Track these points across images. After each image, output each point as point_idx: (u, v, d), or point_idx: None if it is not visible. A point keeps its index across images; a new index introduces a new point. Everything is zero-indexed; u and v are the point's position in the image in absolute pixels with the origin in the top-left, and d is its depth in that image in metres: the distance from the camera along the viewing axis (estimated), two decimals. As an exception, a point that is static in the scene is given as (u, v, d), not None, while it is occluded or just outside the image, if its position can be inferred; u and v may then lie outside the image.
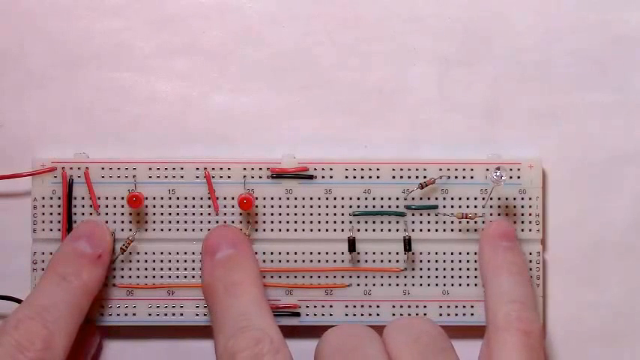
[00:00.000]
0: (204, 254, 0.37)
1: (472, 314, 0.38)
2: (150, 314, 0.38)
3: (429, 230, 0.38)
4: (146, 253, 0.38)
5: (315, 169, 0.38)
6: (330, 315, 0.38)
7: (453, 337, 0.39)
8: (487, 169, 0.38)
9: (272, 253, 0.38)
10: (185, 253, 0.38)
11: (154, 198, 0.38)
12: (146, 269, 0.38)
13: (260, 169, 0.38)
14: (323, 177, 0.38)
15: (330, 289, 0.38)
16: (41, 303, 0.34)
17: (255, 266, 0.37)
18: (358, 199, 0.38)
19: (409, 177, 0.38)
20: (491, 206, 0.38)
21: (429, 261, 0.38)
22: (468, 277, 0.38)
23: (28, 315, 0.34)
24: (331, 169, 0.38)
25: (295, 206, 0.38)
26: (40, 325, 0.33)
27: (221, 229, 0.38)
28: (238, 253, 0.37)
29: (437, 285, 0.38)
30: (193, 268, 0.38)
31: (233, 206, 0.38)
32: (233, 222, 0.38)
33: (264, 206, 0.38)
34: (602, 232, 0.39)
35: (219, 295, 0.35)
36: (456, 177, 0.38)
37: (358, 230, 0.38)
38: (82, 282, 0.36)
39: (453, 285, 0.38)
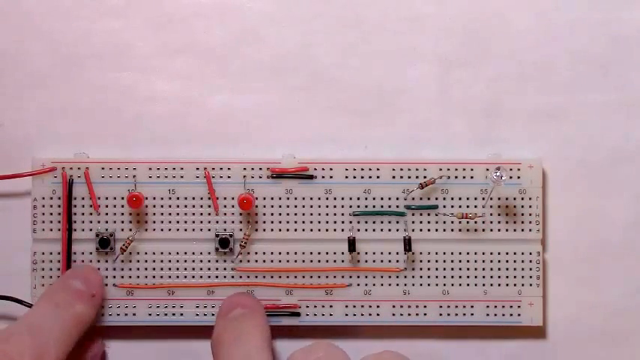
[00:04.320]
0: (218, 315, 0.37)
1: (472, 314, 0.38)
2: (150, 314, 0.38)
3: (429, 230, 0.38)
4: (146, 253, 0.38)
5: (315, 169, 0.38)
6: (330, 315, 0.38)
7: (453, 337, 0.39)
8: (487, 169, 0.38)
9: (272, 253, 0.38)
10: (185, 253, 0.38)
11: (154, 198, 0.38)
12: (146, 269, 0.38)
13: (260, 169, 0.38)
14: (323, 177, 0.38)
15: (330, 289, 0.38)
16: (33, 322, 0.35)
17: (264, 323, 0.37)
18: (358, 199, 0.38)
19: (409, 177, 0.38)
20: (491, 206, 0.38)
21: (429, 261, 0.38)
22: (468, 277, 0.38)
23: (19, 330, 0.34)
24: (331, 169, 0.38)
25: (295, 206, 0.38)
26: (30, 341, 0.34)
27: (238, 295, 0.38)
28: (250, 312, 0.37)
29: (437, 285, 0.38)
30: (193, 268, 0.38)
31: (233, 206, 0.38)
32: (233, 222, 0.38)
33: (264, 206, 0.38)
34: (602, 232, 0.39)
35: (225, 343, 0.35)
36: (456, 177, 0.38)
37: (358, 230, 0.38)
38: (74, 312, 0.36)
39: (453, 285, 0.38)
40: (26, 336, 0.34)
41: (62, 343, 0.35)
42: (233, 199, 0.38)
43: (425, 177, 0.38)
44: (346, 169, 0.38)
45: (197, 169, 0.38)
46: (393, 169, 0.38)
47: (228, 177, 0.38)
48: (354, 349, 0.36)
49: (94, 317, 0.37)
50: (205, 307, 0.38)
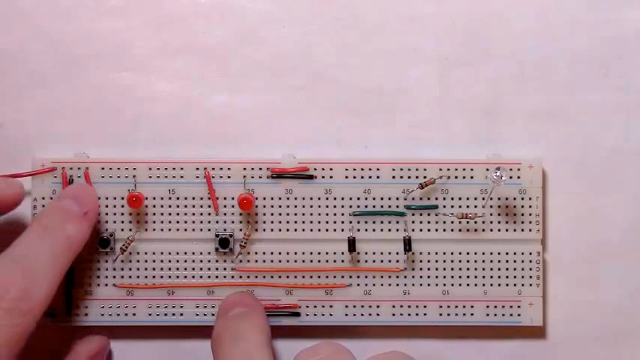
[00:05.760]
0: (217, 314, 0.37)
1: (472, 314, 0.38)
2: (150, 314, 0.38)
3: (429, 230, 0.38)
4: (146, 253, 0.38)
5: (315, 169, 0.38)
6: (330, 315, 0.38)
7: (453, 337, 0.39)
8: (487, 169, 0.38)
9: (272, 253, 0.38)
10: (185, 253, 0.38)
11: (154, 198, 0.38)
12: (146, 269, 0.38)
13: (260, 169, 0.38)
14: (323, 177, 0.38)
15: (330, 289, 0.38)
16: (20, 252, 0.33)
17: (264, 322, 0.36)
18: (358, 199, 0.38)
19: (409, 177, 0.38)
20: (491, 206, 0.38)
21: (429, 261, 0.38)
22: (468, 277, 0.38)
23: (4, 264, 0.33)
24: (331, 169, 0.38)
25: (295, 206, 0.38)
26: (17, 274, 0.32)
27: (238, 294, 0.38)
28: (249, 311, 0.37)
29: (437, 285, 0.38)
30: (193, 268, 0.38)
31: (233, 206, 0.38)
32: (233, 222, 0.38)
33: (264, 206, 0.38)
34: (602, 232, 0.39)
35: (225, 342, 0.35)
36: (456, 177, 0.38)
37: (358, 230, 0.38)
38: (65, 234, 0.35)
39: (453, 285, 0.38)
40: (11, 267, 0.32)
41: (52, 268, 0.33)
42: (233, 199, 0.38)
43: (425, 177, 0.38)
44: (346, 169, 0.38)
45: (197, 169, 0.38)
46: (393, 169, 0.38)
47: (228, 177, 0.38)
48: (354, 349, 0.36)
49: (87, 237, 0.36)
50: (205, 307, 0.38)
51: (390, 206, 0.38)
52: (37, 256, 0.33)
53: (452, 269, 0.38)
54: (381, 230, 0.38)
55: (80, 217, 0.36)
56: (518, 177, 0.38)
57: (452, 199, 0.38)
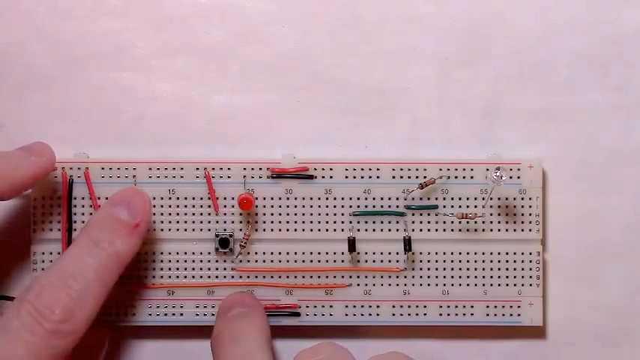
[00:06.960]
0: (217, 314, 0.37)
1: (472, 314, 0.38)
2: (150, 314, 0.38)
3: (429, 230, 0.38)
4: (146, 254, 0.38)
5: (315, 169, 0.38)
6: (330, 315, 0.38)
7: (453, 337, 0.39)
8: (487, 169, 0.38)
9: (272, 253, 0.38)
10: (185, 253, 0.38)
11: (154, 198, 0.38)
12: (146, 269, 0.38)
13: (260, 169, 0.38)
14: (323, 177, 0.38)
15: (330, 289, 0.38)
16: (68, 269, 0.33)
17: (264, 322, 0.36)
18: (358, 199, 0.38)
19: (409, 177, 0.38)
20: (491, 206, 0.38)
21: (429, 261, 0.38)
22: (468, 277, 0.38)
23: (52, 282, 0.32)
24: (331, 169, 0.38)
25: (295, 206, 0.38)
26: (62, 293, 0.32)
27: (237, 294, 0.38)
28: (249, 311, 0.37)
29: (437, 285, 0.38)
30: (193, 268, 0.38)
31: (233, 206, 0.38)
32: (233, 222, 0.38)
33: (264, 206, 0.38)
34: (602, 232, 0.39)
35: (224, 343, 0.35)
36: (456, 177, 0.38)
37: (358, 230, 0.38)
38: (114, 250, 0.34)
39: (453, 285, 0.38)
40: (58, 286, 0.32)
41: (98, 287, 0.33)
42: (233, 199, 0.38)
43: (425, 177, 0.38)
44: (346, 169, 0.38)
45: (197, 169, 0.38)
46: (393, 169, 0.38)
47: (228, 177, 0.38)
48: (354, 349, 0.36)
49: (137, 251, 0.36)
50: (205, 307, 0.38)
51: (390, 206, 0.38)
52: (83, 273, 0.33)
53: (452, 269, 0.38)
54: (381, 230, 0.38)
55: (131, 229, 0.35)
56: (518, 177, 0.38)
57: (452, 199, 0.38)
